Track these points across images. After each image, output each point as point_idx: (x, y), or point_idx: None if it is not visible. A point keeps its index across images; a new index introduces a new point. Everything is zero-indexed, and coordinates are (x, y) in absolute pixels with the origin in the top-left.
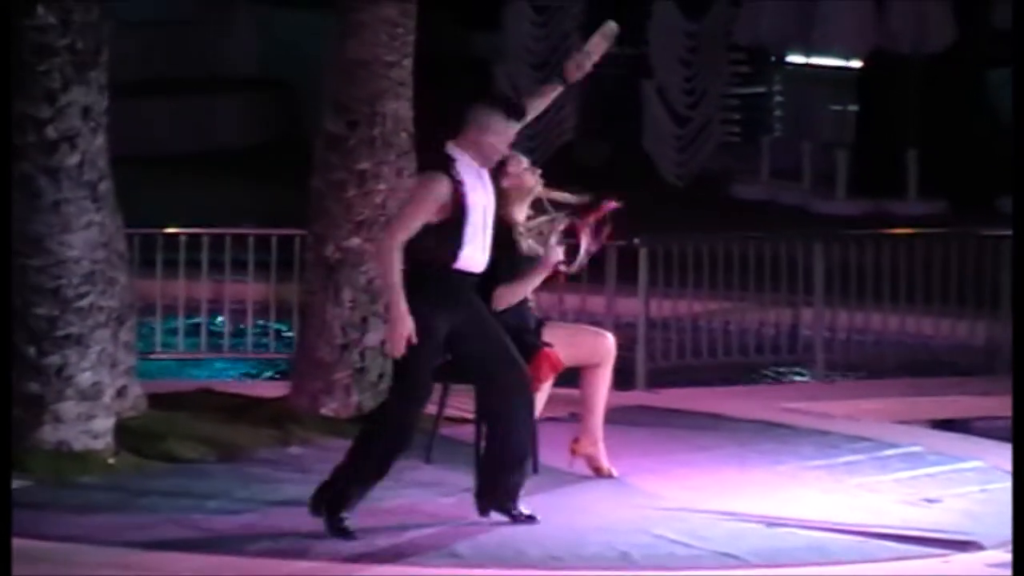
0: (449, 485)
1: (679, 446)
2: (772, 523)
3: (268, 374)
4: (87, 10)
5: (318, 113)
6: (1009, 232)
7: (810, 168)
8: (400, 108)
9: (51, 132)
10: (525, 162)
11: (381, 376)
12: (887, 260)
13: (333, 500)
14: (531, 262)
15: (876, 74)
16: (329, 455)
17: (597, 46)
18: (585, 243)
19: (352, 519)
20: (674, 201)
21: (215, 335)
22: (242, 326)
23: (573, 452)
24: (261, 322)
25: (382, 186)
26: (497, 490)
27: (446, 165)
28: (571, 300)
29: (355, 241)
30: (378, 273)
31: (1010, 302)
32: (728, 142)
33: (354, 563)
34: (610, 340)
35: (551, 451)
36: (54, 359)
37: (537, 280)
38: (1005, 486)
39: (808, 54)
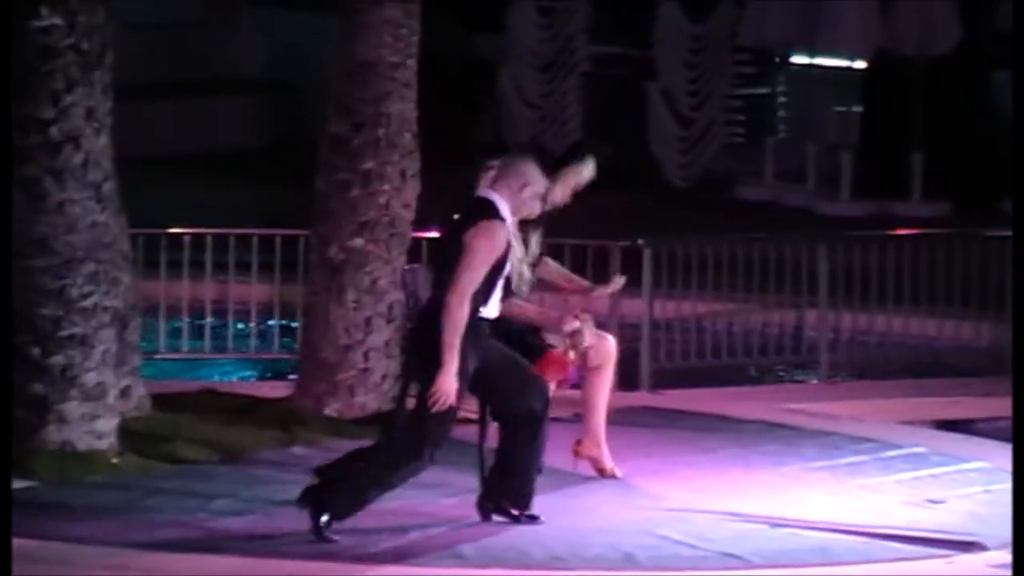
0: (452, 486)
1: (683, 447)
2: (776, 524)
3: (270, 375)
4: (92, 11)
5: (321, 115)
6: (1011, 232)
7: (814, 169)
8: (405, 109)
9: (55, 133)
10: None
11: (384, 377)
12: (891, 261)
13: (335, 502)
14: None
15: (881, 75)
16: (333, 455)
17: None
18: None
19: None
20: (678, 202)
21: (219, 337)
22: (242, 325)
23: (576, 454)
24: (266, 322)
25: (386, 187)
26: (507, 494)
27: (500, 214)
28: (574, 302)
29: (359, 242)
30: (444, 327)
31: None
32: (732, 143)
33: (358, 563)
34: (611, 342)
35: (554, 452)
36: (58, 359)
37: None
38: (1008, 487)
39: (813, 55)
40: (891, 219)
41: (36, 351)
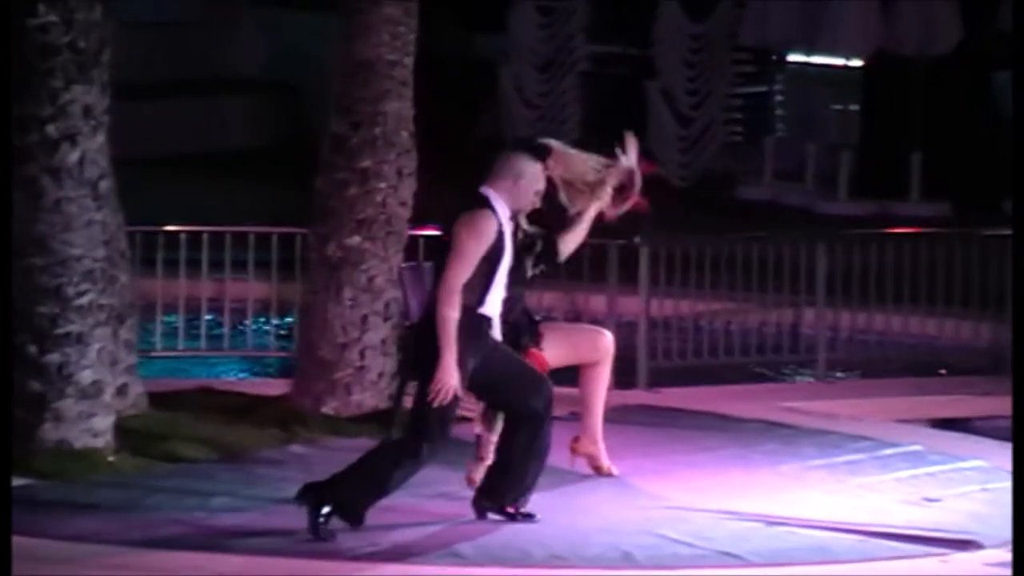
0: (451, 484)
1: (681, 446)
2: (774, 523)
3: (268, 373)
4: (89, 9)
5: (322, 114)
6: (1011, 232)
7: (814, 169)
8: (402, 108)
9: (52, 131)
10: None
11: (381, 375)
12: (890, 260)
13: (340, 502)
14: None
15: (880, 75)
16: (332, 454)
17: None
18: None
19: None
20: (678, 201)
21: (215, 336)
22: (241, 325)
23: (573, 451)
24: (263, 320)
25: (383, 185)
26: (505, 492)
27: (491, 205)
28: (572, 299)
29: (356, 240)
30: (437, 322)
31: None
32: (731, 143)
33: (357, 562)
34: (609, 337)
35: (552, 450)
36: (55, 357)
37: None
38: (1006, 485)
39: (812, 55)
40: (890, 218)
41: (33, 349)
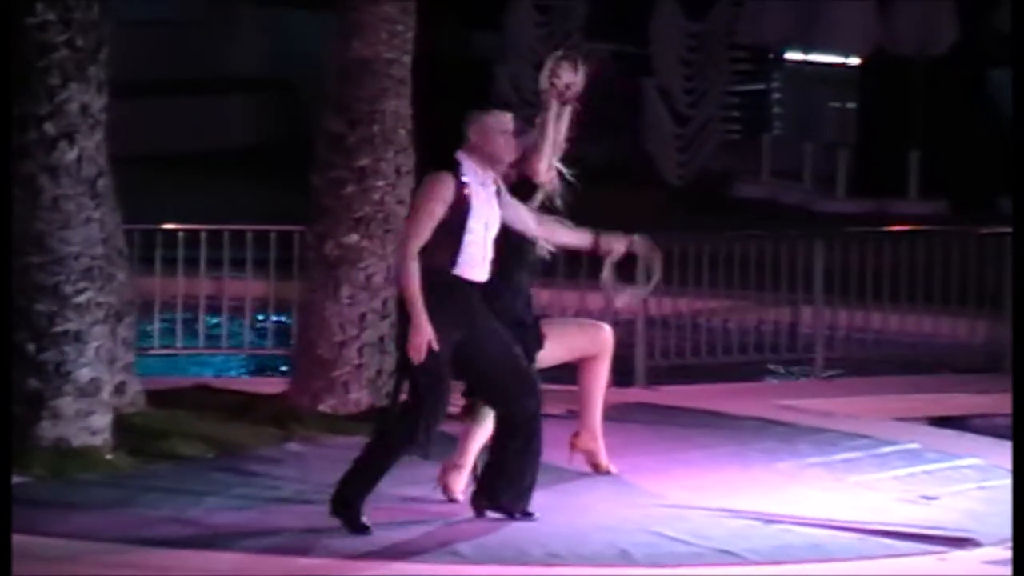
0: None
1: (679, 444)
2: (771, 521)
3: (266, 371)
4: (87, 7)
5: (320, 113)
6: (1009, 230)
7: (811, 167)
8: (399, 106)
9: (50, 129)
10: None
11: (379, 373)
12: (887, 259)
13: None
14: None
15: (878, 73)
16: (329, 452)
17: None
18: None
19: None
20: (675, 200)
21: (213, 334)
22: (241, 323)
23: (573, 447)
24: (261, 318)
25: (380, 183)
26: (503, 492)
27: (451, 166)
28: (570, 297)
29: (354, 238)
30: (398, 281)
31: (1010, 301)
32: (729, 141)
33: (355, 560)
34: (608, 331)
35: (550, 449)
36: (53, 355)
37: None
38: (1003, 483)
39: (810, 53)
40: (887, 216)
41: (31, 347)
